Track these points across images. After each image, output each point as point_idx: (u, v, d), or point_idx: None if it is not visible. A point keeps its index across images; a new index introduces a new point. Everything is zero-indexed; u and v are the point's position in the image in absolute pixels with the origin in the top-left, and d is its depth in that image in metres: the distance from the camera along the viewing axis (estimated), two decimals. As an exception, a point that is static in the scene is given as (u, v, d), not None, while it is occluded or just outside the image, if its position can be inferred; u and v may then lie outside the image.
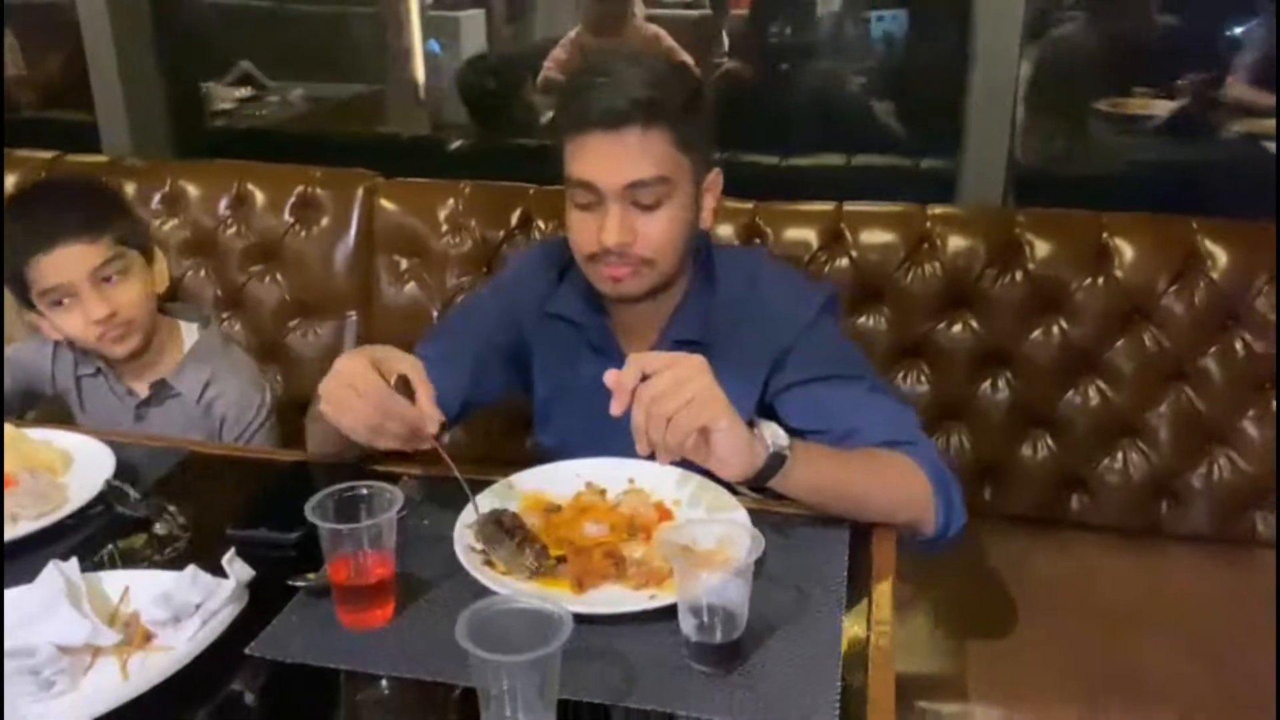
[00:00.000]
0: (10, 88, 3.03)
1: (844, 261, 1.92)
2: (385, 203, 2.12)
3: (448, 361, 1.35)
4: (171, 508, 1.20)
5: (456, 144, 2.89)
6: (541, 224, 2.04)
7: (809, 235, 1.94)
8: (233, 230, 2.15)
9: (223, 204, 2.15)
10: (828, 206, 1.96)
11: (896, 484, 1.23)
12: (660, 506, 1.20)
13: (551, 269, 1.50)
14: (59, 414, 1.71)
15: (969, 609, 1.72)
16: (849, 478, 1.21)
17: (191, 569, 1.00)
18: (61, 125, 2.70)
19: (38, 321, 1.59)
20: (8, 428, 1.29)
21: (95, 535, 1.19)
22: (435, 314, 2.08)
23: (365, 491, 1.04)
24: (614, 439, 1.15)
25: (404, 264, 2.11)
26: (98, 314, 1.52)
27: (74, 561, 1.01)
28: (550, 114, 3.08)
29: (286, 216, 2.12)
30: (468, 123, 3.39)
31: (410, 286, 2.10)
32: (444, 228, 2.08)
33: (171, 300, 1.81)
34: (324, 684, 0.99)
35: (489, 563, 1.10)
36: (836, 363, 1.34)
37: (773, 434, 1.13)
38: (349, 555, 1.01)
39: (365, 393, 1.10)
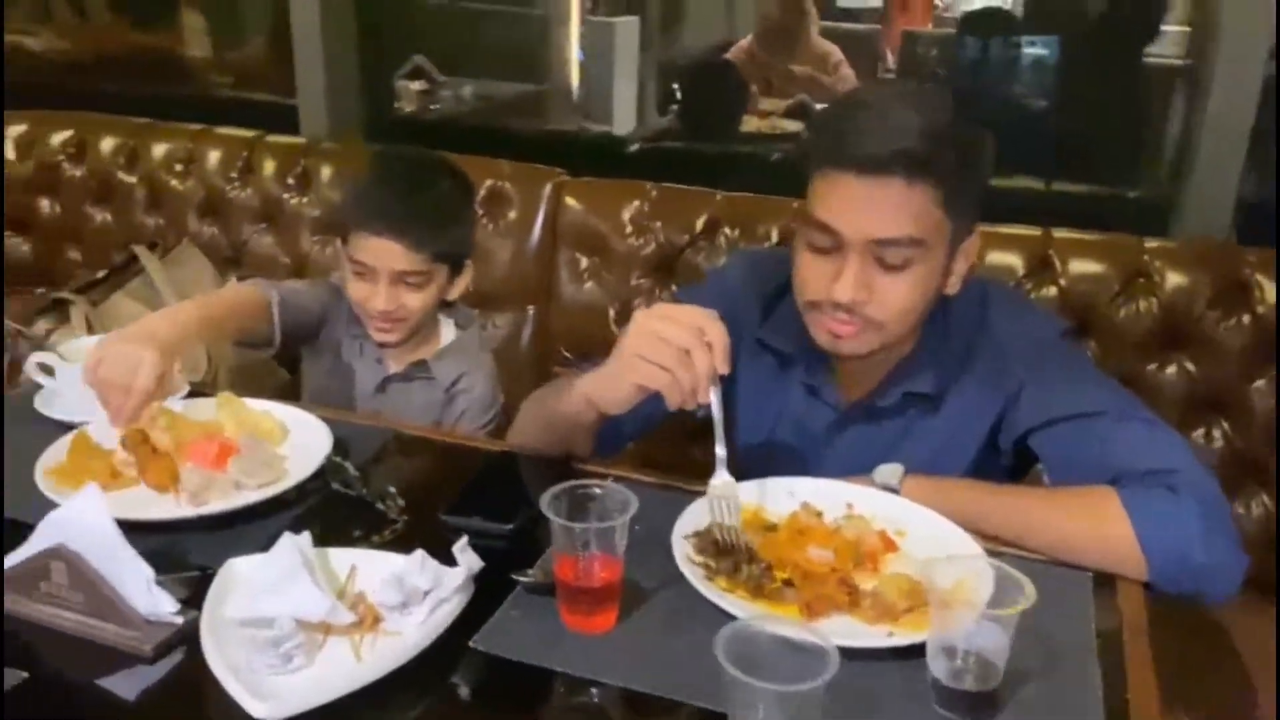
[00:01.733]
0: (203, 68, 3.17)
1: (1051, 290, 1.82)
2: (570, 200, 2.12)
3: None
4: (392, 488, 1.20)
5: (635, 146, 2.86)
6: (728, 231, 2.01)
7: (1014, 261, 1.85)
8: (421, 218, 2.17)
9: (413, 191, 2.18)
10: (1035, 231, 1.87)
11: (1078, 523, 1.13)
12: (884, 536, 1.13)
13: (764, 289, 1.36)
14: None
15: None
16: (989, 511, 1.15)
17: (420, 553, 0.98)
18: (252, 106, 2.79)
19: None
20: (229, 395, 1.31)
21: (313, 510, 1.19)
22: (613, 314, 2.07)
23: (598, 491, 1.00)
24: None
25: (584, 262, 2.10)
26: (379, 306, 1.55)
27: (307, 535, 1.00)
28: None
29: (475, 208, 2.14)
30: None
31: (590, 285, 2.09)
32: (628, 229, 2.07)
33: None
34: (537, 682, 0.96)
35: (710, 577, 1.05)
36: (1077, 398, 1.21)
37: (883, 475, 1.21)
38: (578, 555, 0.97)
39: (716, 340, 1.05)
